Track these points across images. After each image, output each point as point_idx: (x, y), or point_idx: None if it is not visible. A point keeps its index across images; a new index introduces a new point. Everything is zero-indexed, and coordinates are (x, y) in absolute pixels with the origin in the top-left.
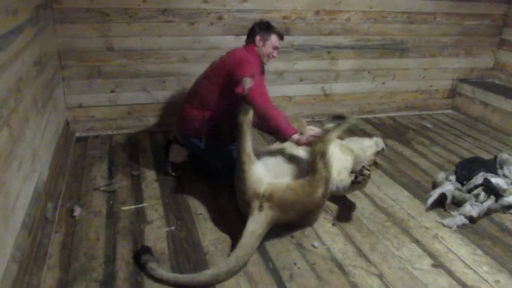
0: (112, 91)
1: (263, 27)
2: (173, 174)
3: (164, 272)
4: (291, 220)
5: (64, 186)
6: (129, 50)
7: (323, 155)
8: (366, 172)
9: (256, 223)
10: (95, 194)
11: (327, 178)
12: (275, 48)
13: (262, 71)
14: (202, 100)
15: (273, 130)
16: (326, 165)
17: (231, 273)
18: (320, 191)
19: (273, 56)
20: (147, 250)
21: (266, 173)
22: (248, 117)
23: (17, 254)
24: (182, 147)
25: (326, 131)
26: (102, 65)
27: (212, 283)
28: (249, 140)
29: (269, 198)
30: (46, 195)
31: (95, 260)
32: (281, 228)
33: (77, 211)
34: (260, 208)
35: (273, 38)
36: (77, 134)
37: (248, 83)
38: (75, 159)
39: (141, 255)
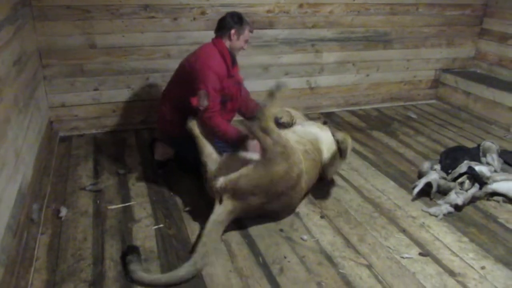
0: (95, 89)
1: (237, 21)
2: (160, 171)
3: (144, 274)
4: (260, 204)
5: (49, 187)
6: (112, 47)
7: (266, 130)
8: (340, 136)
9: (217, 213)
10: (81, 194)
11: (285, 153)
12: (247, 41)
13: (234, 63)
14: (172, 101)
15: (225, 141)
16: (277, 140)
17: (206, 258)
18: (280, 168)
19: (244, 49)
20: (133, 249)
21: (225, 170)
22: (195, 122)
23: (2, 257)
24: (168, 145)
25: (260, 108)
26: (84, 63)
27: (193, 273)
28: (205, 141)
29: (225, 190)
30: (31, 196)
31: (83, 260)
32: (263, 216)
33: (63, 212)
34: (220, 201)
35: (246, 32)
36: (61, 134)
37: (203, 97)
38: (60, 159)
39: (126, 255)
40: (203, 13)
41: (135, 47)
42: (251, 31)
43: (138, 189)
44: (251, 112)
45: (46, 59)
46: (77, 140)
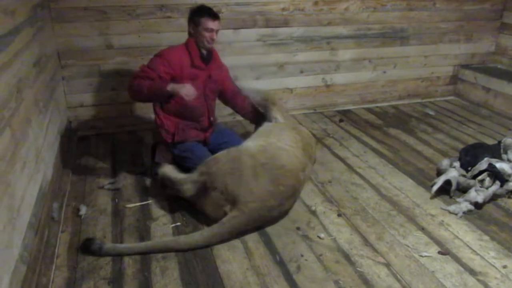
0: (113, 89)
1: (193, 12)
2: (157, 176)
3: (120, 245)
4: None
5: (68, 186)
6: (129, 48)
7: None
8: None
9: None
10: (100, 193)
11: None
12: (209, 30)
13: (208, 58)
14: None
15: (153, 96)
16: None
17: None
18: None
19: (212, 39)
20: (89, 240)
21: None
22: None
23: (24, 254)
24: (168, 150)
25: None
26: (102, 64)
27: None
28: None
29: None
30: (51, 195)
31: (103, 258)
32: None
33: (83, 210)
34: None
35: (203, 21)
36: (80, 133)
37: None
38: (79, 159)
39: (90, 247)
40: (218, 12)
41: (151, 47)
42: (212, 18)
43: (156, 187)
44: (246, 109)
45: (64, 60)
46: (96, 139)
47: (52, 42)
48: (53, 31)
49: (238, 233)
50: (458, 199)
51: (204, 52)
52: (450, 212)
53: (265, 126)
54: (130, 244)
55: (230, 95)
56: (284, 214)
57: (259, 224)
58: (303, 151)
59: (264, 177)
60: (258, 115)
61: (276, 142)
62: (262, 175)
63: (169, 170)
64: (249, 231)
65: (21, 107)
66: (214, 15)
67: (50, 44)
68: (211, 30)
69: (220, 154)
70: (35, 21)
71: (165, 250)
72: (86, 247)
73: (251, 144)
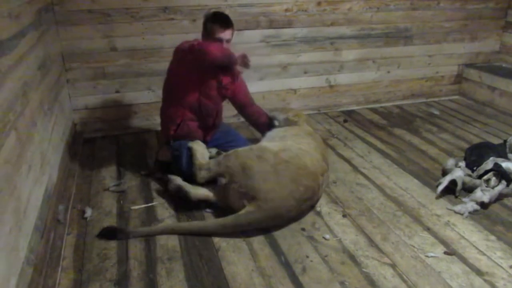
0: (117, 91)
1: (206, 20)
2: (157, 176)
3: (144, 228)
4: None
5: (74, 188)
6: (132, 50)
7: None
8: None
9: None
10: (105, 195)
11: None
12: (220, 40)
13: (222, 71)
14: (164, 98)
15: (226, 59)
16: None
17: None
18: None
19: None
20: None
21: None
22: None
23: (31, 257)
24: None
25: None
26: (106, 66)
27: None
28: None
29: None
30: (57, 197)
31: (108, 260)
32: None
33: (88, 212)
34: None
35: (215, 29)
36: (85, 136)
37: (242, 60)
38: (84, 161)
39: (116, 233)
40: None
41: (155, 49)
42: (224, 27)
43: (161, 189)
44: (254, 122)
45: (69, 62)
46: (101, 141)
47: (57, 45)
48: (58, 34)
49: (251, 228)
50: (464, 199)
51: None
52: (456, 212)
53: (277, 130)
54: (148, 227)
55: (238, 107)
56: (299, 216)
57: (274, 223)
58: (321, 156)
59: (286, 176)
60: (268, 128)
61: (294, 144)
62: (283, 173)
63: (199, 148)
64: (255, 231)
65: (26, 110)
66: (226, 24)
67: (54, 47)
68: (221, 40)
69: (241, 149)
70: (39, 24)
71: (178, 231)
72: (107, 233)
73: (270, 144)
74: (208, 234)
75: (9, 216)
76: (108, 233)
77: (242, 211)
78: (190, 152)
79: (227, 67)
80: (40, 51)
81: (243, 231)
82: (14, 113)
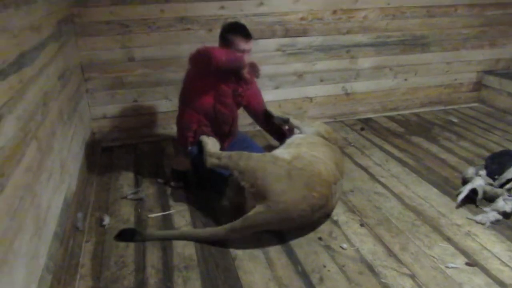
0: (134, 101)
1: (226, 30)
2: (173, 184)
3: (159, 231)
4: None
5: (92, 196)
6: (150, 60)
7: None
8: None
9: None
10: (123, 203)
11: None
12: (241, 51)
13: (235, 78)
14: (181, 104)
15: (231, 63)
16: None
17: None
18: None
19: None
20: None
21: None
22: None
23: (50, 264)
24: (187, 157)
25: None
26: (124, 76)
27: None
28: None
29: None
30: (76, 205)
31: (126, 267)
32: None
33: (106, 220)
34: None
35: (236, 41)
36: (103, 144)
37: (253, 68)
38: (102, 169)
39: (133, 234)
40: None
41: (172, 58)
42: (246, 38)
43: (177, 197)
44: (268, 127)
45: (88, 73)
46: (118, 150)
47: (76, 56)
48: (77, 45)
49: (260, 229)
50: (485, 209)
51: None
52: (477, 222)
53: (295, 137)
54: (163, 231)
55: (253, 115)
56: (315, 225)
57: (285, 226)
58: (335, 165)
59: (299, 181)
60: (282, 135)
61: (309, 152)
62: (297, 179)
63: (210, 141)
64: (271, 240)
65: (46, 120)
66: (247, 35)
67: (74, 57)
68: (243, 51)
69: (255, 154)
70: (59, 36)
71: (191, 237)
72: (124, 235)
73: (284, 151)
74: (219, 239)
75: (30, 223)
76: (125, 235)
77: (251, 212)
78: (201, 144)
79: (235, 73)
80: (60, 62)
81: (254, 233)
82: (35, 123)
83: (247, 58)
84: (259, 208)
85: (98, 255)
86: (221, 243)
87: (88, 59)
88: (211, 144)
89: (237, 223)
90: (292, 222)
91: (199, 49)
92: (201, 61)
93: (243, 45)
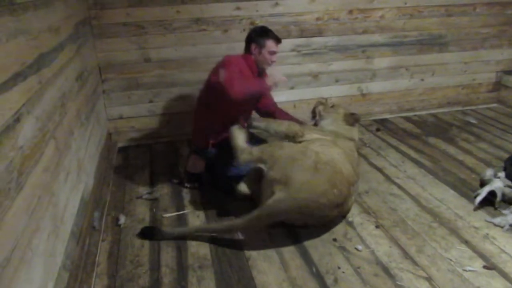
0: (150, 101)
1: (258, 34)
2: (187, 185)
3: (178, 228)
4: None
5: (109, 196)
6: (166, 61)
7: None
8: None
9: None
10: (138, 202)
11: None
12: (272, 53)
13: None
14: (201, 107)
15: (254, 90)
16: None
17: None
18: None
19: (273, 61)
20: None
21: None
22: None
23: (67, 262)
24: (201, 158)
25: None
26: (140, 77)
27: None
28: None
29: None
30: (92, 204)
31: (141, 267)
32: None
33: (122, 220)
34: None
35: (269, 44)
36: (119, 145)
37: (222, 73)
38: (118, 169)
39: (153, 232)
40: (252, 23)
41: (187, 59)
42: (277, 42)
43: (192, 197)
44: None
45: (105, 74)
46: (134, 150)
47: (93, 57)
48: (94, 46)
49: (277, 218)
50: (504, 211)
51: (261, 71)
52: (495, 225)
53: (324, 125)
54: (181, 227)
55: (262, 109)
56: (323, 222)
57: (301, 220)
58: (351, 166)
59: (323, 175)
60: None
61: (331, 149)
62: (321, 172)
63: (240, 135)
64: (285, 241)
65: (64, 120)
66: (278, 39)
67: (91, 59)
68: (274, 53)
69: (286, 143)
70: (77, 37)
71: (209, 230)
72: (146, 232)
73: (320, 135)
74: (236, 230)
75: (48, 222)
76: (146, 232)
77: (270, 200)
78: (231, 136)
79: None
80: (78, 63)
81: (269, 234)
82: (53, 123)
83: (272, 70)
84: (279, 195)
85: (114, 254)
86: (236, 243)
87: (105, 60)
88: (241, 138)
89: (254, 212)
90: (309, 215)
91: (221, 81)
92: (222, 92)
93: (275, 47)
